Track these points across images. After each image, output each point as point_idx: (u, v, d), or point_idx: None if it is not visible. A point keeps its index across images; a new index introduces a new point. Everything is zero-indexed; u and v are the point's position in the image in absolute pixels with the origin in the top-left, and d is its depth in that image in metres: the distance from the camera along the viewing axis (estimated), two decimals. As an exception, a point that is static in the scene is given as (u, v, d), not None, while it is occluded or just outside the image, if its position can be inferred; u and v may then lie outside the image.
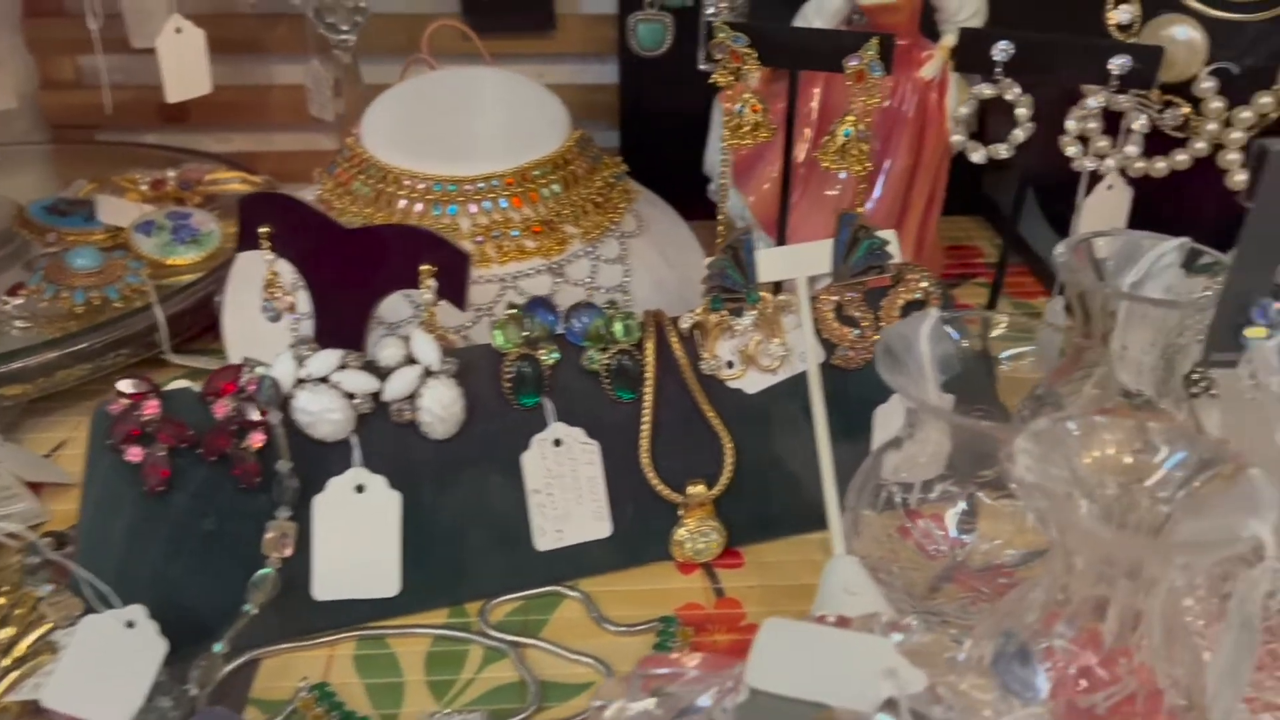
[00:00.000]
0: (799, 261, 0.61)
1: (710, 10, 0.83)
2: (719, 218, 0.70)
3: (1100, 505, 0.42)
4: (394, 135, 0.71)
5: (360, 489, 0.55)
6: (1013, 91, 0.63)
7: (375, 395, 0.56)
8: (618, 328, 0.59)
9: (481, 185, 0.68)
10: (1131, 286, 0.58)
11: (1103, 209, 0.69)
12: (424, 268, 0.56)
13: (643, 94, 0.94)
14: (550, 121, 0.72)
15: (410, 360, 0.56)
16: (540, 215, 0.69)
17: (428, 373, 0.56)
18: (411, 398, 0.56)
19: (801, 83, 0.76)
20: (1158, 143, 0.69)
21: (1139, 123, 0.64)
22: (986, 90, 0.64)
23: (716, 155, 0.77)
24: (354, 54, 0.87)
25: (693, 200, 0.81)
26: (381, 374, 0.56)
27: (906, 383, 0.50)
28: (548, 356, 0.58)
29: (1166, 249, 0.58)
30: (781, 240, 0.72)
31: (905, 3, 0.74)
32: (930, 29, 0.77)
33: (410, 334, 0.56)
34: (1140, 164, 0.68)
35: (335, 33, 0.84)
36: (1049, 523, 0.41)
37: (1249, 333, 0.48)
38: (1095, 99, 0.64)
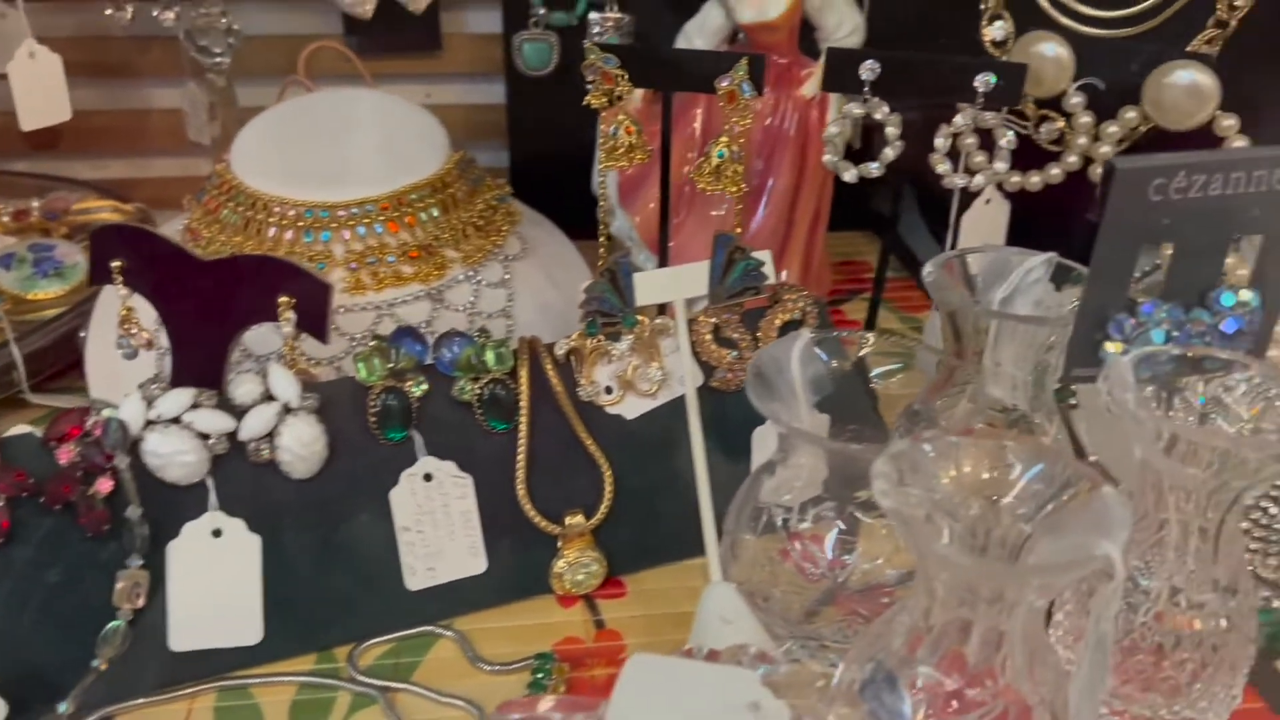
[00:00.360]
0: (677, 284, 0.61)
1: (595, 30, 0.82)
2: (600, 239, 0.69)
3: (963, 525, 0.41)
4: (264, 160, 0.68)
5: (217, 533, 0.53)
6: (881, 110, 0.64)
7: (231, 435, 0.53)
8: (490, 356, 0.58)
9: (355, 210, 0.66)
10: (1001, 302, 0.58)
11: (982, 224, 0.70)
12: (282, 299, 0.54)
13: (530, 114, 0.92)
14: (428, 143, 0.71)
15: (268, 396, 0.54)
16: (418, 240, 0.67)
17: (286, 409, 0.54)
18: (270, 436, 0.53)
19: (683, 104, 0.75)
20: (1037, 157, 0.70)
21: (1006, 139, 0.65)
22: (855, 109, 0.64)
23: (601, 176, 0.76)
24: (229, 77, 0.84)
25: (583, 220, 0.80)
26: (237, 412, 0.53)
27: (778, 407, 0.50)
28: (415, 388, 0.56)
29: (1034, 264, 0.58)
30: (664, 261, 0.71)
31: (784, 21, 0.74)
32: (811, 47, 0.77)
33: (267, 369, 0.54)
34: (1015, 179, 0.69)
35: (208, 56, 0.82)
36: (911, 547, 0.40)
37: (1108, 346, 0.49)
38: (962, 116, 0.64)
